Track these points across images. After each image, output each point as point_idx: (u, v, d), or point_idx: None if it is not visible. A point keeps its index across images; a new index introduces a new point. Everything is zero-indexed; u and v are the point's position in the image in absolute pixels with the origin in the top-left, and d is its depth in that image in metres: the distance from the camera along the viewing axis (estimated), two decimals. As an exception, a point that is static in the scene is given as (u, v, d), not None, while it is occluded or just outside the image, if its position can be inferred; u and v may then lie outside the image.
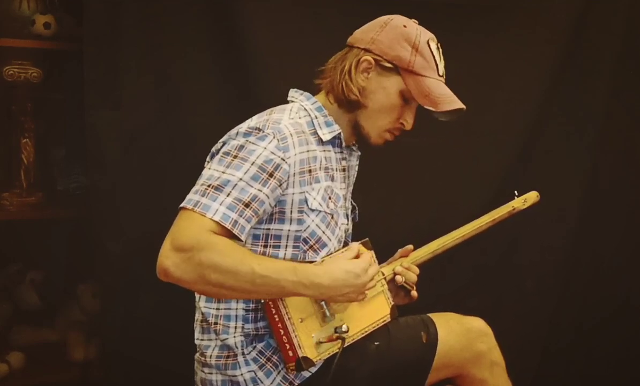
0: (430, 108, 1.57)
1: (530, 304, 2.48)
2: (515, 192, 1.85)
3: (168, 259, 1.33)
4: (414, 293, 1.72)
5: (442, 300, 2.15)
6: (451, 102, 1.58)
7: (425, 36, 1.59)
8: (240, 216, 1.39)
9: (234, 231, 1.38)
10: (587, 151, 2.43)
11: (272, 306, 1.47)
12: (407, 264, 1.72)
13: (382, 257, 1.73)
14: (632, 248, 2.51)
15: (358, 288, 1.47)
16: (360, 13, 1.67)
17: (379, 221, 2.10)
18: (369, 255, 1.54)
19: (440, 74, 1.61)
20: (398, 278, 1.70)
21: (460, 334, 1.68)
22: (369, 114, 1.60)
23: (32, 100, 2.24)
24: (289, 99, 1.64)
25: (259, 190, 1.41)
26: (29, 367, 2.26)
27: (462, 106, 1.59)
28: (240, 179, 1.40)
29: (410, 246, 1.76)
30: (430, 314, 1.71)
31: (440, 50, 1.62)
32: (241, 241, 1.41)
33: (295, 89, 1.65)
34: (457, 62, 1.72)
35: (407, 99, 1.59)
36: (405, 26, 1.59)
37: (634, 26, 2.38)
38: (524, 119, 2.38)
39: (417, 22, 1.63)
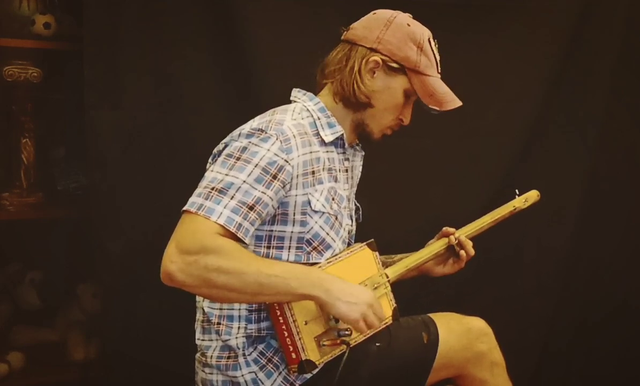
0: (435, 108, 1.58)
1: (530, 304, 2.49)
2: (517, 191, 1.85)
3: (173, 264, 1.32)
4: (463, 253, 1.74)
5: (442, 300, 2.15)
6: (453, 100, 1.61)
7: (425, 34, 1.60)
8: (245, 219, 1.38)
9: (238, 235, 1.37)
10: (587, 151, 2.44)
11: (277, 308, 1.46)
12: (463, 238, 1.75)
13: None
14: (632, 248, 2.51)
15: (361, 306, 1.43)
16: (361, 13, 1.66)
17: (380, 221, 2.09)
18: None
19: (439, 71, 1.62)
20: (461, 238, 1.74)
21: (461, 334, 1.68)
22: (374, 113, 1.60)
23: (32, 100, 2.23)
24: (291, 99, 1.64)
25: (262, 192, 1.41)
26: (29, 367, 2.25)
27: (460, 102, 1.61)
28: (244, 181, 1.40)
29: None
30: (430, 315, 1.71)
31: (437, 45, 1.63)
32: (245, 243, 1.40)
33: (298, 89, 1.64)
34: (457, 62, 1.72)
35: (409, 96, 1.61)
36: (409, 25, 1.59)
37: (634, 26, 2.39)
38: (524, 119, 2.38)
39: (411, 16, 1.63)
